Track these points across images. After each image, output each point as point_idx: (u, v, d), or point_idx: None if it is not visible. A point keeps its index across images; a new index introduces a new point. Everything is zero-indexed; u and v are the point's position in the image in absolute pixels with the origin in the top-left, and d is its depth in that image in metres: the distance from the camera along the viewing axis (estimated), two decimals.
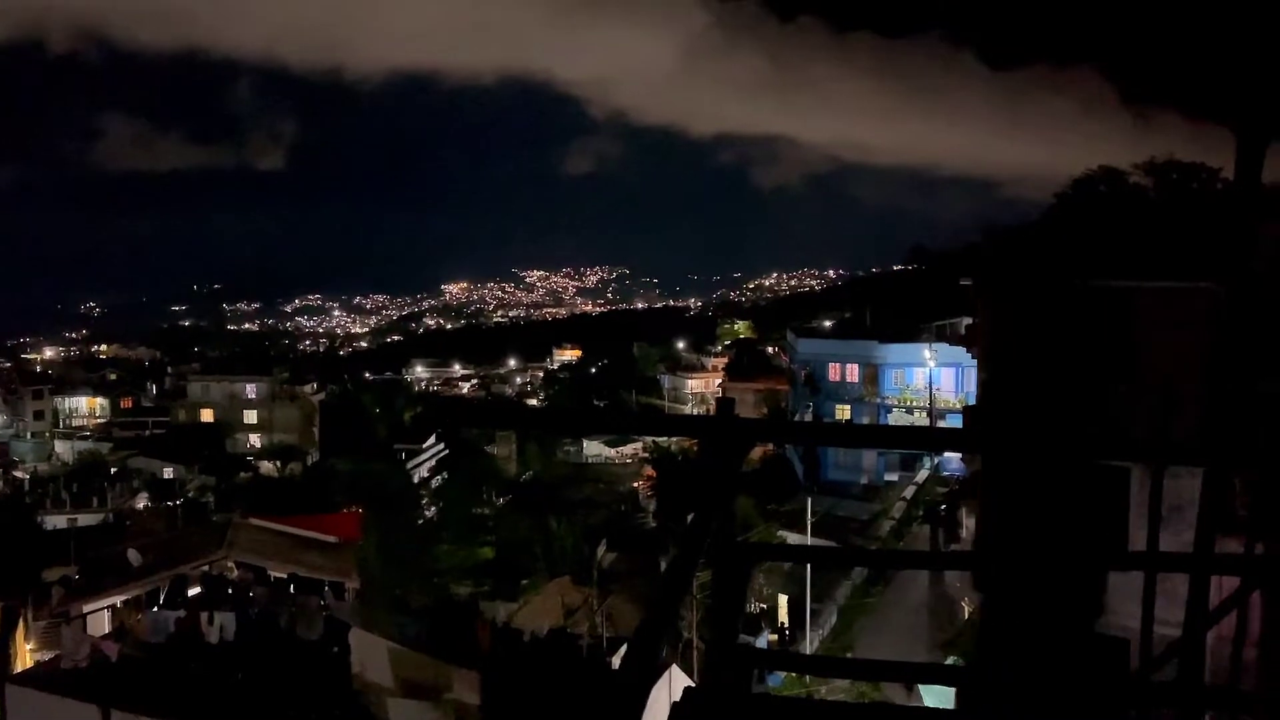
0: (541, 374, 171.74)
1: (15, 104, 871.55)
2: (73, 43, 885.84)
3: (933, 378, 55.18)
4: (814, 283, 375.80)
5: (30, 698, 19.64)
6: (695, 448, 52.98)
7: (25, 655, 36.09)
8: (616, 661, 20.52)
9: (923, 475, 50.70)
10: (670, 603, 2.52)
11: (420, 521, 48.06)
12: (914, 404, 56.71)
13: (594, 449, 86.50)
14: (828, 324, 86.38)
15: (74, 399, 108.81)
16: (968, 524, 35.68)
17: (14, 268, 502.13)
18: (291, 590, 32.57)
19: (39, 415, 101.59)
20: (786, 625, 36.82)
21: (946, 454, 47.38)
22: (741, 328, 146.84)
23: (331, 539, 39.37)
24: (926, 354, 54.73)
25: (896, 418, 56.50)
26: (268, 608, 26.39)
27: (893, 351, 57.96)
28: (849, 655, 30.56)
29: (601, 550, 35.28)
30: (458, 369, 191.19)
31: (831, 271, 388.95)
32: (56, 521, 56.47)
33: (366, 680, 19.90)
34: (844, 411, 58.81)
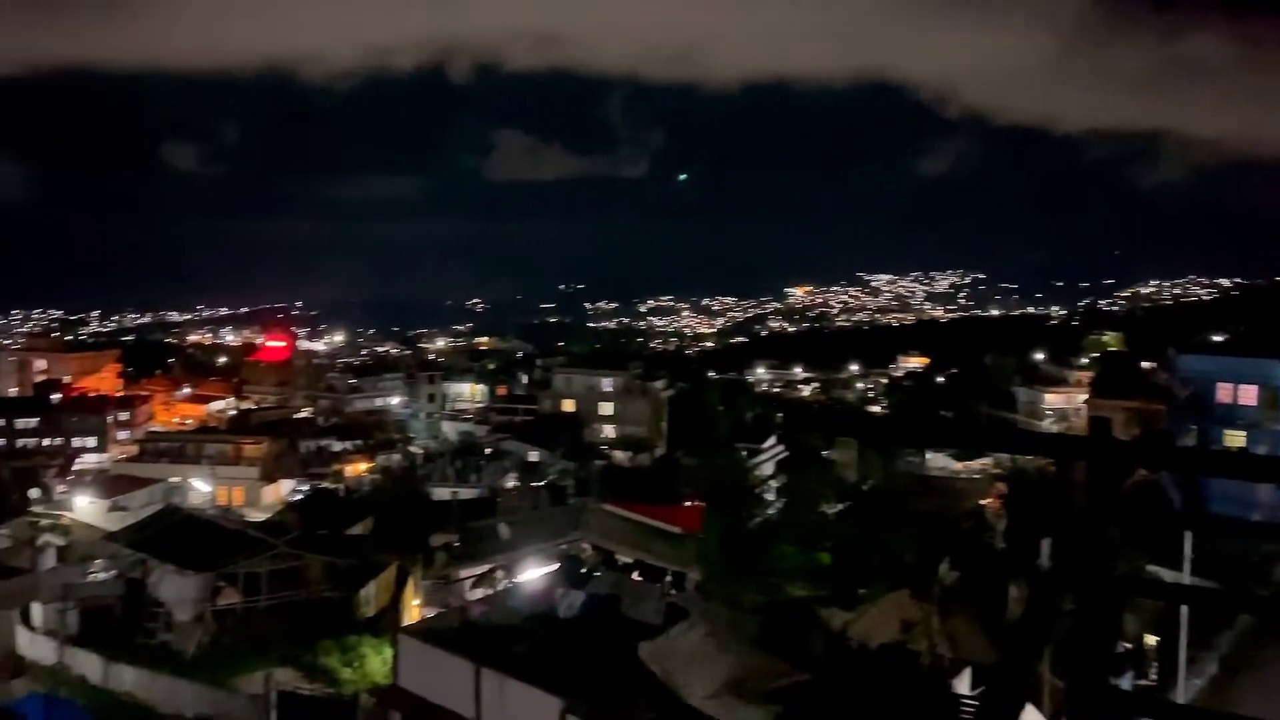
0: (885, 381, 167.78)
1: (422, 125, 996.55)
2: (468, 70, 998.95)
3: None
4: (1201, 292, 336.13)
5: (418, 648, 22.29)
6: (1054, 467, 49.12)
7: (414, 610, 41.14)
8: (958, 685, 19.57)
9: None
10: (1035, 638, 2.35)
11: (760, 520, 48.69)
12: None
13: (939, 461, 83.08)
14: (1217, 338, 76.76)
15: (458, 385, 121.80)
16: None
17: (418, 268, 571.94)
18: (638, 575, 34.39)
19: (431, 398, 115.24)
20: (1154, 669, 33.23)
21: None
22: (1111, 340, 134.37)
23: (675, 529, 41.06)
24: None
25: None
26: (616, 590, 27.98)
27: None
28: (1232, 711, 26.95)
29: (944, 567, 33.81)
30: (799, 372, 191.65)
31: (1224, 280, 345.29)
32: (441, 494, 63.59)
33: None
34: (1236, 438, 51.91)
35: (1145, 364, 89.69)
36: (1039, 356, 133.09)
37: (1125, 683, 29.74)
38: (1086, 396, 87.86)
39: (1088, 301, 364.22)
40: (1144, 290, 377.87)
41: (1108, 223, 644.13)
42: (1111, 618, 3.43)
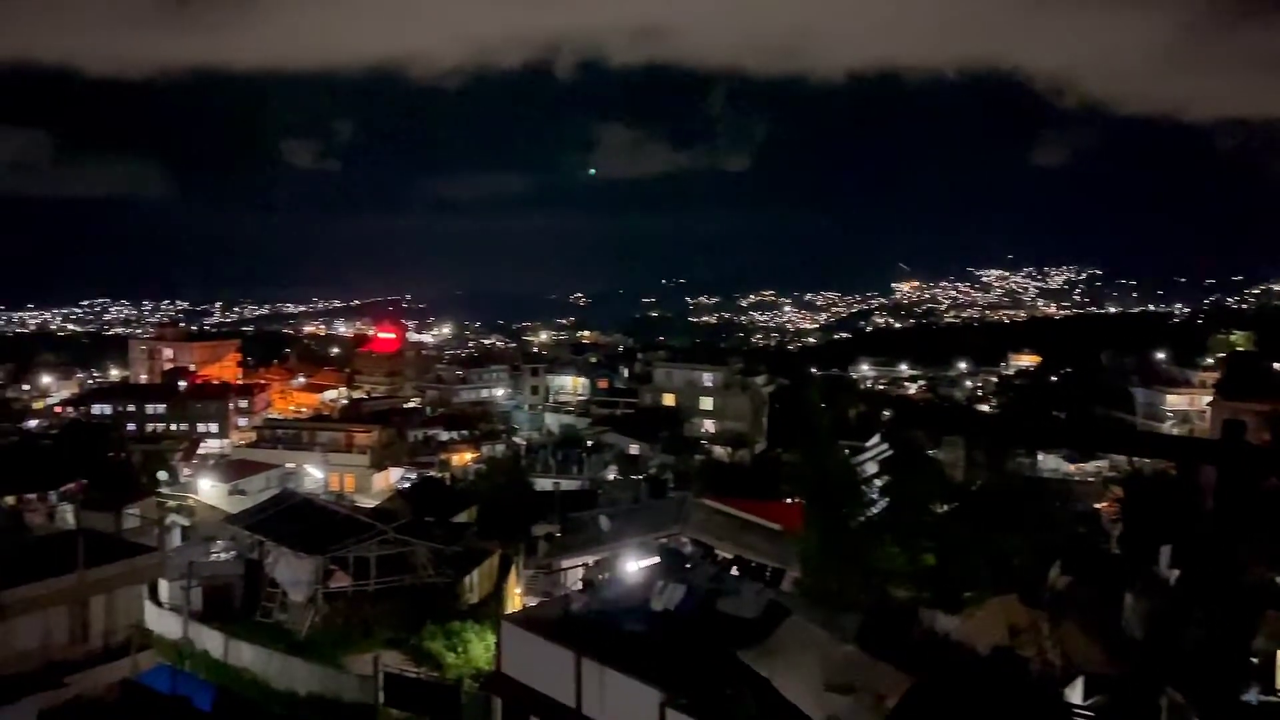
0: (995, 379, 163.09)
1: (527, 121, 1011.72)
2: (572, 65, 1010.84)
3: None
4: None
5: (520, 636, 22.66)
6: (1176, 471, 47.08)
7: (516, 598, 41.87)
8: (1070, 694, 18.94)
9: None
10: (1165, 653, 2.25)
11: (862, 519, 47.87)
12: None
13: (1051, 463, 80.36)
14: None
15: (561, 378, 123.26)
16: None
17: (524, 262, 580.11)
18: (736, 571, 34.25)
19: (535, 390, 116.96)
20: None
21: None
22: (1239, 339, 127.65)
23: (775, 526, 40.73)
24: None
25: None
26: (714, 585, 27.92)
27: None
28: None
29: (1055, 572, 32.70)
30: (904, 369, 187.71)
31: None
32: (544, 484, 64.51)
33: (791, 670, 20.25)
34: None
35: (1277, 365, 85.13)
36: (1160, 356, 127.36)
37: (1252, 697, 28.34)
38: (1211, 398, 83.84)
39: (1214, 299, 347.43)
40: (1276, 287, 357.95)
41: (1237, 216, 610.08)
42: (1245, 630, 3.28)
